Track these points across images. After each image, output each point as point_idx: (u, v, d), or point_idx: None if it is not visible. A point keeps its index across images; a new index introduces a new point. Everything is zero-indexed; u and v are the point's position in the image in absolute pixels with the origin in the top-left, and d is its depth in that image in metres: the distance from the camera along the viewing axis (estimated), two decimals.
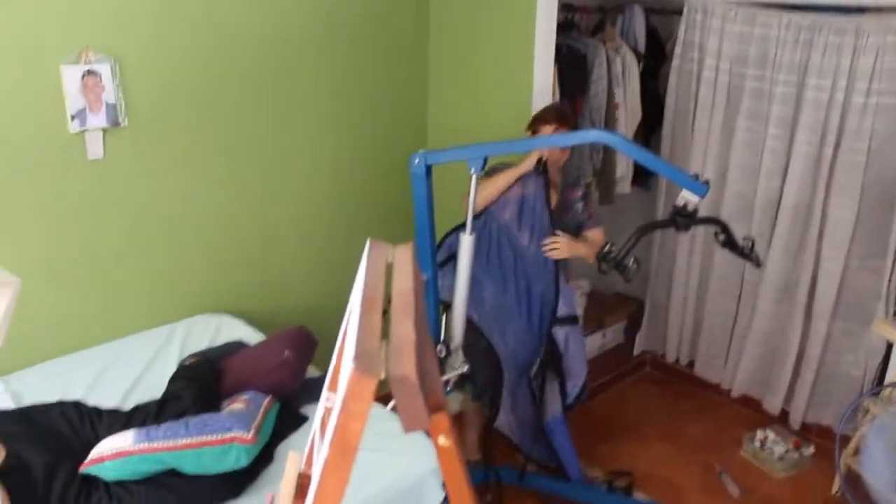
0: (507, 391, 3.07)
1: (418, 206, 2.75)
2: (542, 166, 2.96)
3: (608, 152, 3.87)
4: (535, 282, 3.06)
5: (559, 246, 2.97)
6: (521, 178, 2.99)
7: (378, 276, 1.06)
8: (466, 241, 2.71)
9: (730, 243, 2.62)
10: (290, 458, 1.44)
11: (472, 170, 2.61)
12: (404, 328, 0.89)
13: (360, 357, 0.83)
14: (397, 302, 0.96)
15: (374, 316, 0.94)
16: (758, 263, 2.65)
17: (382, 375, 0.83)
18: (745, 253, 2.62)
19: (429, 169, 2.71)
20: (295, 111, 3.29)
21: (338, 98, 3.43)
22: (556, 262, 3.02)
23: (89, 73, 2.66)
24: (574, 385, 3.16)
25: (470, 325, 3.01)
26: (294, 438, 2.43)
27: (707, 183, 2.42)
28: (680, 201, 2.46)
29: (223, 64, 3.01)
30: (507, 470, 3.35)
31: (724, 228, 2.61)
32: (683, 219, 2.48)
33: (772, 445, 3.65)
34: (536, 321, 3.09)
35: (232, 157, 3.14)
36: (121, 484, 2.08)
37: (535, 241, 3.03)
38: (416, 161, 2.69)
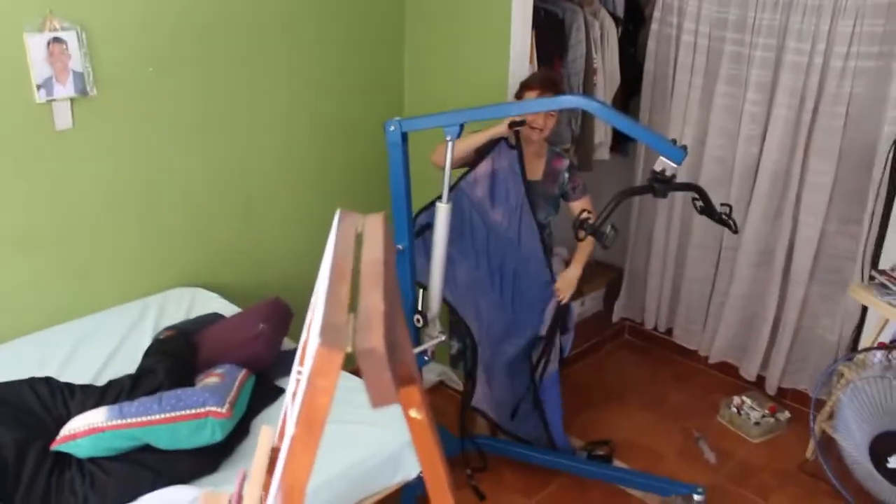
0: (482, 367, 3.07)
1: (394, 175, 2.71)
2: (515, 137, 2.92)
3: (587, 118, 3.83)
4: (509, 259, 3.04)
5: (562, 291, 3.07)
6: (493, 153, 2.96)
7: (347, 246, 1.03)
8: (443, 210, 2.67)
9: (707, 209, 2.61)
10: (263, 433, 1.41)
11: (448, 137, 2.57)
12: (372, 299, 0.85)
13: (325, 330, 0.80)
14: (366, 272, 0.93)
15: (342, 287, 0.91)
16: (734, 229, 2.64)
17: (349, 349, 0.80)
18: (722, 219, 2.61)
19: (405, 136, 2.66)
20: (269, 80, 3.22)
21: (313, 67, 3.36)
22: (542, 239, 3.03)
23: (55, 40, 2.58)
24: (567, 338, 3.20)
25: (445, 304, 3.02)
26: (270, 411, 2.41)
27: (685, 148, 2.39)
28: (658, 167, 2.44)
29: (195, 33, 2.93)
30: (487, 439, 3.36)
31: (702, 194, 2.60)
32: (661, 185, 2.46)
33: (748, 411, 3.68)
34: (509, 297, 3.08)
35: (205, 128, 3.07)
36: (94, 461, 2.06)
37: (507, 218, 3.01)
38: (392, 128, 2.65)
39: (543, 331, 3.10)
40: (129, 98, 2.82)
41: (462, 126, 2.58)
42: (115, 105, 2.78)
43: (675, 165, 2.41)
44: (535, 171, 3.04)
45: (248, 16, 3.08)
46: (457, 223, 2.97)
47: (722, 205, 2.63)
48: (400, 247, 2.76)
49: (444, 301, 2.97)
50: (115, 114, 2.79)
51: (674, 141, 2.43)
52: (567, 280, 3.07)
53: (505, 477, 3.28)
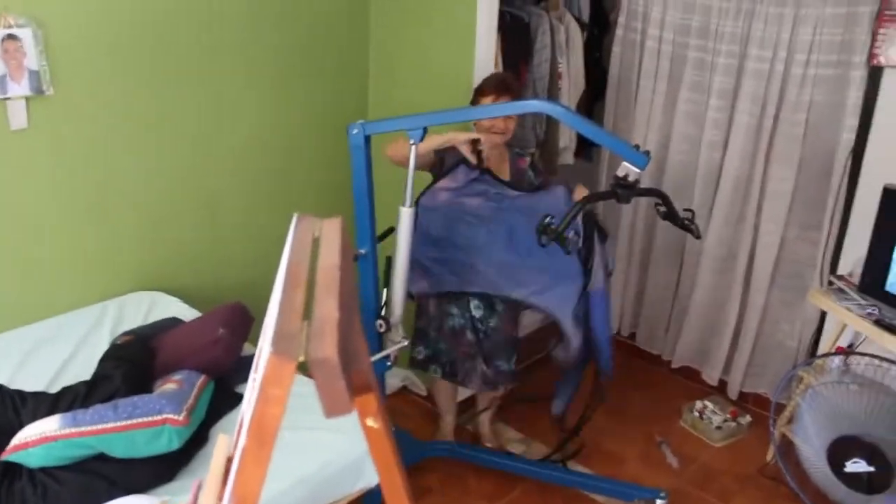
0: (572, 319, 2.96)
1: (357, 178, 2.68)
2: (477, 158, 2.87)
3: (551, 123, 3.84)
4: (517, 225, 2.90)
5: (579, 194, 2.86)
6: (451, 174, 2.91)
7: (303, 251, 1.00)
8: (405, 214, 2.65)
9: (670, 215, 2.61)
10: (219, 442, 1.38)
11: (411, 140, 2.56)
12: (327, 307, 0.83)
13: (278, 339, 0.78)
14: (321, 279, 0.91)
15: (297, 294, 0.89)
16: (697, 235, 2.65)
17: (302, 358, 0.78)
18: (685, 224, 2.62)
19: (368, 139, 2.64)
20: (232, 79, 3.18)
21: (277, 69, 3.32)
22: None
23: (9, 37, 2.52)
24: (607, 252, 3.00)
25: (462, 300, 3.03)
26: (230, 418, 2.37)
27: (648, 154, 2.40)
28: (621, 172, 2.44)
29: (155, 31, 2.88)
30: (450, 444, 3.35)
31: (665, 200, 2.60)
32: (624, 190, 2.45)
33: (710, 415, 3.71)
34: (540, 256, 2.88)
35: (165, 128, 3.02)
36: (46, 471, 2.00)
37: (489, 200, 2.93)
38: (355, 131, 2.62)
39: (581, 242, 2.88)
40: (87, 97, 2.76)
41: (426, 129, 2.56)
42: (72, 104, 2.72)
43: (638, 171, 2.41)
44: (503, 174, 3.04)
45: (208, 13, 3.03)
46: (434, 234, 2.94)
47: (685, 210, 2.63)
48: (362, 251, 2.74)
49: (491, 295, 2.99)
50: (72, 113, 2.73)
51: (636, 146, 2.43)
52: (580, 191, 2.93)
53: (469, 483, 3.27)
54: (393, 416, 3.63)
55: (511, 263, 2.94)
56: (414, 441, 3.31)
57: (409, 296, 2.98)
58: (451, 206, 2.95)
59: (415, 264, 2.93)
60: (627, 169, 2.42)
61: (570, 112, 2.49)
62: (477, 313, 3.07)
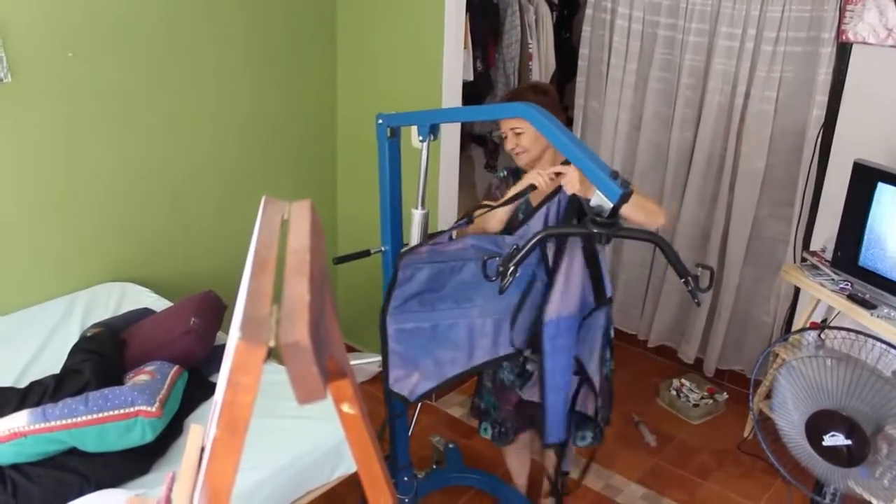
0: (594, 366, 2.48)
1: (381, 172, 2.51)
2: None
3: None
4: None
5: (569, 177, 2.16)
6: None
7: (272, 234, 0.97)
8: (417, 216, 2.43)
9: (673, 265, 2.00)
10: (192, 432, 1.35)
11: (420, 137, 2.36)
12: (297, 289, 0.80)
13: (246, 325, 0.75)
14: (291, 261, 0.88)
15: (265, 278, 0.85)
16: (697, 301, 2.01)
17: (272, 343, 0.75)
18: (688, 281, 1.95)
19: (394, 132, 2.45)
20: (195, 66, 3.12)
21: (242, 54, 3.27)
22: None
23: None
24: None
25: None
26: (205, 408, 2.34)
27: (627, 185, 1.84)
28: (595, 201, 1.91)
29: (118, 17, 2.82)
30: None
31: (663, 248, 2.01)
32: (602, 228, 1.89)
33: (687, 393, 3.73)
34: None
35: (129, 116, 2.96)
36: (16, 467, 1.96)
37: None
38: (380, 121, 2.45)
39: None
40: (48, 85, 2.69)
41: (431, 126, 2.33)
42: (32, 92, 2.65)
43: (609, 205, 1.88)
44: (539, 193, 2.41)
45: (175, 3, 2.96)
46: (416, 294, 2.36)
47: (699, 266, 2.01)
48: (384, 248, 2.55)
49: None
50: (32, 101, 2.66)
51: (615, 173, 1.85)
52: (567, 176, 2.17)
53: None
54: (366, 400, 3.61)
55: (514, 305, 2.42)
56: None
57: (406, 401, 2.41)
58: (437, 261, 2.37)
59: (391, 357, 2.35)
60: (600, 200, 1.89)
61: (546, 120, 2.04)
62: (532, 367, 2.50)
